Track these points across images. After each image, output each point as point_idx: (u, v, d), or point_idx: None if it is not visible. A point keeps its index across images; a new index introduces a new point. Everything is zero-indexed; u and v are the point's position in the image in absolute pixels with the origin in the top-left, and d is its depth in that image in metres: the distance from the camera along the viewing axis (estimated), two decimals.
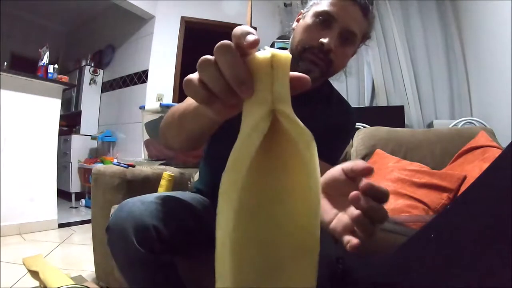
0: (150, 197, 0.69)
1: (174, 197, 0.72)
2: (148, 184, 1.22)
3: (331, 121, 0.80)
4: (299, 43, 0.72)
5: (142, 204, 0.65)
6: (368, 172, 0.35)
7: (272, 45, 3.03)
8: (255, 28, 3.24)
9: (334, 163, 0.79)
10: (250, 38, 0.29)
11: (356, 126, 2.43)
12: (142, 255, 0.62)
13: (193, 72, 0.34)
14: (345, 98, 0.90)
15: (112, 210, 1.05)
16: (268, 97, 0.28)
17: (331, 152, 0.79)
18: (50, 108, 2.33)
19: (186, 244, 0.70)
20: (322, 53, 0.69)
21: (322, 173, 0.77)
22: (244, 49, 0.29)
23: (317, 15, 0.70)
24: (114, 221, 0.65)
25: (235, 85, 0.29)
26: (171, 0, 3.36)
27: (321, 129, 0.78)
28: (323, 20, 0.69)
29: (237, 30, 0.30)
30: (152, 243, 0.62)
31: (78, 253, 1.83)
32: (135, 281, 0.67)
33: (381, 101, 2.95)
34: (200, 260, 0.78)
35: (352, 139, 1.70)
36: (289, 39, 0.80)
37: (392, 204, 1.12)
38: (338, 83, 3.22)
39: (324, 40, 0.67)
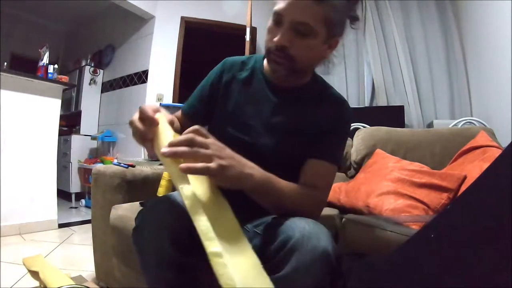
0: (177, 196, 0.69)
1: None
2: (148, 184, 1.21)
3: (324, 119, 0.79)
4: (264, 46, 0.76)
5: (172, 204, 0.65)
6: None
7: None
8: (255, 28, 3.24)
9: (336, 161, 0.79)
10: (157, 116, 0.63)
11: (356, 126, 2.43)
12: (173, 256, 0.62)
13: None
14: (346, 98, 0.89)
15: (113, 210, 1.05)
16: (168, 131, 0.64)
17: (331, 150, 0.79)
18: (50, 108, 2.33)
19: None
20: (278, 51, 0.71)
21: (318, 172, 0.76)
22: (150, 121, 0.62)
23: (272, 16, 0.73)
24: (145, 220, 0.65)
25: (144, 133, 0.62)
26: (171, 0, 3.36)
27: (314, 128, 0.79)
28: (275, 19, 0.72)
29: (147, 110, 0.61)
30: (184, 244, 0.62)
31: (78, 253, 1.83)
32: (160, 282, 0.67)
33: (381, 101, 2.95)
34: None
35: (352, 139, 1.70)
36: None
37: (392, 204, 1.12)
38: (338, 83, 3.22)
39: (275, 39, 0.70)
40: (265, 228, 0.68)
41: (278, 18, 0.71)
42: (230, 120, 0.82)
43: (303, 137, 0.79)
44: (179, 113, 0.91)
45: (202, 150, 0.55)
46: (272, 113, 0.80)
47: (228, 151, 0.59)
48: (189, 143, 0.55)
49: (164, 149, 0.55)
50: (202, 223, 0.51)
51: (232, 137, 0.79)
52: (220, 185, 0.59)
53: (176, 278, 0.65)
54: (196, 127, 0.58)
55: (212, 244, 0.49)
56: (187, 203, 0.52)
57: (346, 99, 0.86)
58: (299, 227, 0.60)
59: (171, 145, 0.55)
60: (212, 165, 0.54)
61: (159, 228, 0.62)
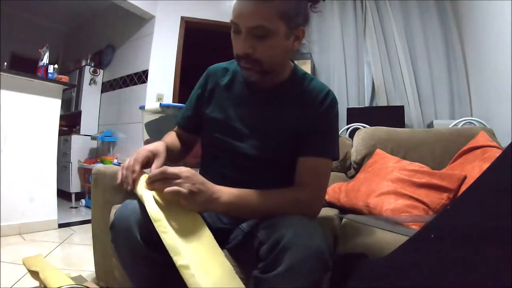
0: None
1: None
2: None
3: (307, 114, 0.79)
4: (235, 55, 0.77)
5: (141, 204, 0.67)
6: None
7: None
8: None
9: (327, 154, 0.79)
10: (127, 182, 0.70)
11: (356, 126, 2.43)
12: (145, 251, 0.65)
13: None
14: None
15: (113, 210, 1.05)
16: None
17: (319, 144, 0.78)
18: (50, 108, 2.33)
19: None
20: (245, 58, 0.73)
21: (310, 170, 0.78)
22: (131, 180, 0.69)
23: (232, 25, 0.73)
24: (119, 218, 0.68)
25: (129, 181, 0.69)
26: (171, 0, 3.36)
27: (297, 124, 0.79)
28: (233, 29, 0.73)
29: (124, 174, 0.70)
30: (155, 239, 0.64)
31: (78, 253, 1.83)
32: (137, 277, 0.70)
33: (381, 101, 2.95)
34: None
35: (352, 139, 1.70)
36: None
37: (392, 204, 1.12)
38: (339, 83, 3.22)
39: (238, 52, 0.73)
40: (260, 228, 0.69)
41: (236, 27, 0.71)
42: (216, 125, 0.84)
43: (287, 135, 0.79)
44: (172, 133, 0.96)
45: (174, 181, 0.63)
46: (254, 114, 0.82)
47: (198, 177, 0.65)
48: (162, 175, 0.63)
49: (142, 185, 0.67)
50: (169, 240, 0.58)
51: (219, 142, 0.83)
52: (191, 209, 0.65)
53: (151, 273, 0.68)
54: (163, 168, 0.64)
55: (180, 258, 0.57)
56: (155, 225, 0.60)
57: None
58: (292, 226, 0.60)
59: (149, 180, 0.65)
60: (183, 190, 0.61)
61: (130, 224, 0.65)
